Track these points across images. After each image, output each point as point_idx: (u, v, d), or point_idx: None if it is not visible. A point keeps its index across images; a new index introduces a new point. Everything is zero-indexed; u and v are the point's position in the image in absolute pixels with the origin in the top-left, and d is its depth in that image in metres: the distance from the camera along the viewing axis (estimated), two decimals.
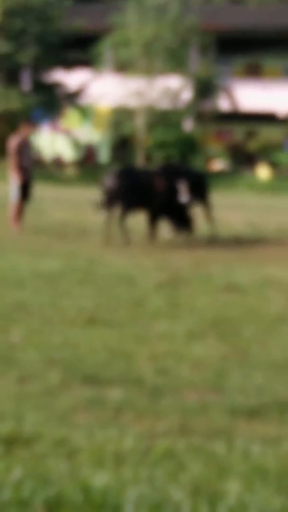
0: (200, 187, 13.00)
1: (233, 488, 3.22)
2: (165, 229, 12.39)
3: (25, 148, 12.92)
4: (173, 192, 12.13)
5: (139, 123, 34.49)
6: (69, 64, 35.83)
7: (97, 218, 12.50)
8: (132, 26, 34.27)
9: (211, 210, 12.97)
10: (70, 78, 35.91)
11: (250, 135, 38.37)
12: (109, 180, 11.96)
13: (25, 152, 12.89)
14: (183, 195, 12.09)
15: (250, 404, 4.29)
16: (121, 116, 35.42)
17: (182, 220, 12.26)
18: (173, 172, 12.64)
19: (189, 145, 34.19)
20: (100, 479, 3.22)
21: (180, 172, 13.04)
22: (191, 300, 7.25)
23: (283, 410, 4.24)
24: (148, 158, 34.18)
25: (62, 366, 4.86)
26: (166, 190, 12.12)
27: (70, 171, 34.95)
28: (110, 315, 6.44)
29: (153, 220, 12.12)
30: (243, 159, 36.75)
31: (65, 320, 6.18)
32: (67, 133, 39.34)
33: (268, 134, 36.91)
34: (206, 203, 12.97)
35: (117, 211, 11.73)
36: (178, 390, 4.55)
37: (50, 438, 3.70)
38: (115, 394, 4.41)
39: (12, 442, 3.66)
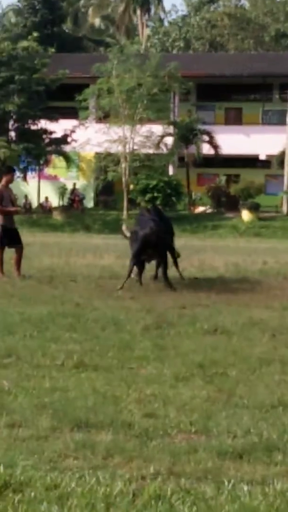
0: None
1: None
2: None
3: (6, 194, 13.10)
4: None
5: (123, 169, 34.88)
6: (54, 112, 36.30)
7: (84, 263, 12.61)
8: (115, 74, 34.87)
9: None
10: (55, 126, 36.34)
11: (232, 178, 38.87)
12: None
13: (7, 199, 13.06)
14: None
15: (238, 445, 4.35)
16: (105, 162, 35.83)
17: None
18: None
19: (173, 189, 34.55)
20: None
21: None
22: (177, 343, 7.33)
23: (270, 451, 4.30)
24: (132, 202, 34.50)
25: (52, 411, 4.91)
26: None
27: (57, 217, 35.18)
28: (98, 359, 6.50)
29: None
30: (225, 202, 37.16)
31: (54, 365, 6.25)
32: (53, 179, 39.71)
33: (250, 177, 37.41)
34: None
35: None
36: (166, 433, 4.60)
37: (42, 483, 3.75)
38: (104, 438, 4.47)
39: (4, 487, 3.71)
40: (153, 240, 11.32)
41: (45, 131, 36.65)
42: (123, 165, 34.92)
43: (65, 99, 36.94)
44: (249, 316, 8.94)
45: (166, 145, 36.56)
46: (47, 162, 38.16)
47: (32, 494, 3.62)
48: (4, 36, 41.02)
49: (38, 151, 36.22)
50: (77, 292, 10.94)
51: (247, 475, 3.95)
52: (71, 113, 36.93)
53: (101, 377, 5.89)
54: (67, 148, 37.04)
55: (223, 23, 55.37)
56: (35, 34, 37.74)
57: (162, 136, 36.33)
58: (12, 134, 36.79)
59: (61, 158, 37.63)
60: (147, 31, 59.50)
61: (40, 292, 10.87)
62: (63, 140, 36.74)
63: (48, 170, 39.54)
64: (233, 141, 37.12)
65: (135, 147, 35.30)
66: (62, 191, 38.87)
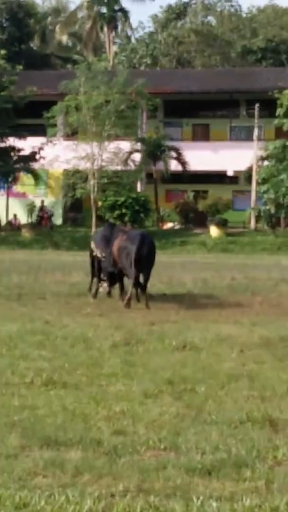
0: None
1: None
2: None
3: None
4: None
5: (91, 186, 34.91)
6: (22, 129, 36.26)
7: (52, 280, 12.59)
8: (82, 91, 34.97)
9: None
10: (24, 143, 36.30)
11: (200, 194, 39.10)
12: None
13: None
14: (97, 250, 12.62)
15: (207, 462, 4.38)
16: (73, 179, 35.82)
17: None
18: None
19: (141, 206, 34.66)
20: None
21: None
22: (146, 359, 7.35)
23: (239, 467, 4.33)
24: (101, 219, 34.53)
25: (21, 429, 4.90)
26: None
27: (25, 234, 35.08)
28: (67, 376, 6.50)
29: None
30: (193, 218, 37.34)
31: (23, 383, 6.23)
32: (22, 196, 39.62)
33: (217, 193, 37.65)
34: None
35: None
36: (135, 450, 4.61)
37: (11, 502, 3.74)
38: (73, 455, 4.47)
39: None
40: (146, 251, 11.89)
41: (13, 148, 36.60)
42: (91, 182, 34.95)
43: (33, 116, 36.94)
44: (218, 332, 8.99)
45: (134, 161, 36.69)
46: (15, 180, 38.08)
47: None
48: None
49: (7, 169, 36.17)
50: (46, 310, 10.92)
51: (216, 491, 3.97)
52: (39, 131, 36.92)
53: (70, 394, 5.89)
54: (35, 166, 37.01)
55: (190, 39, 55.86)
56: (2, 51, 37.75)
57: (130, 153, 36.45)
58: None
59: (29, 175, 37.58)
60: (114, 48, 59.75)
61: (8, 310, 10.83)
62: (32, 157, 36.72)
63: (16, 188, 39.46)
64: (200, 157, 37.36)
65: (103, 164, 35.38)
66: (30, 208, 38.77)
